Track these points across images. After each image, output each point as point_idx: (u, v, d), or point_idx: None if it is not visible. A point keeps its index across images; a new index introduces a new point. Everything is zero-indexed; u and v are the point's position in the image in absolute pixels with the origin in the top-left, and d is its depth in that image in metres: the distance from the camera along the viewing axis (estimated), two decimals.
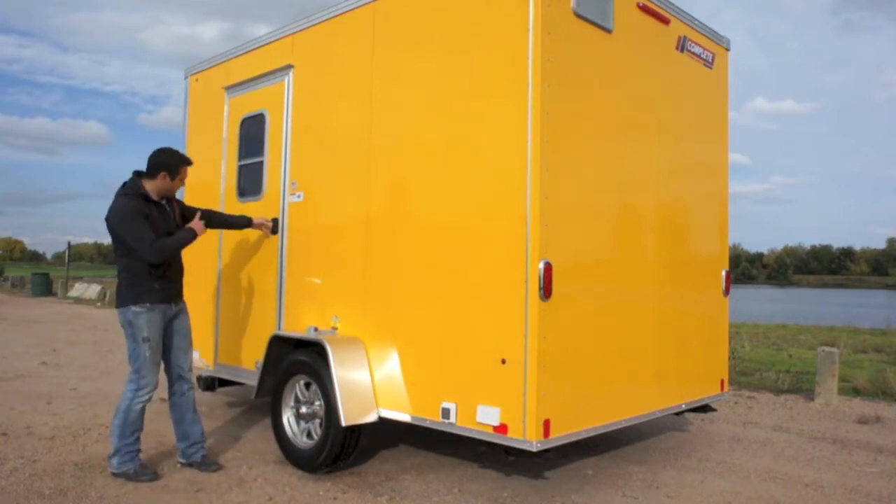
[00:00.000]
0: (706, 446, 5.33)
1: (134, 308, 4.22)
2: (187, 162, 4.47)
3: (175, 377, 4.49)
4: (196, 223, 4.46)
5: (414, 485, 4.25)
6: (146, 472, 4.24)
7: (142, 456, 4.37)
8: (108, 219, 4.26)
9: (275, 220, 5.15)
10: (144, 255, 4.17)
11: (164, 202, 4.45)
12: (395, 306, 4.25)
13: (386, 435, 5.23)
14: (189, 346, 4.57)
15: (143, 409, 4.28)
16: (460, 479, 4.36)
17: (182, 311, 4.54)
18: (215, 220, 4.87)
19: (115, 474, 4.23)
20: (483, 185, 3.80)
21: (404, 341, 4.19)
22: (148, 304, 4.24)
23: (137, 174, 4.39)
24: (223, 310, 5.68)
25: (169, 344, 4.44)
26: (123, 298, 4.26)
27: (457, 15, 4.01)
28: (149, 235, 4.19)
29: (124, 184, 4.36)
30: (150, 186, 4.35)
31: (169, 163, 4.37)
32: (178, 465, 4.50)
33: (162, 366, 4.42)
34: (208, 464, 4.49)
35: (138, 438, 4.30)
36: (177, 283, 4.48)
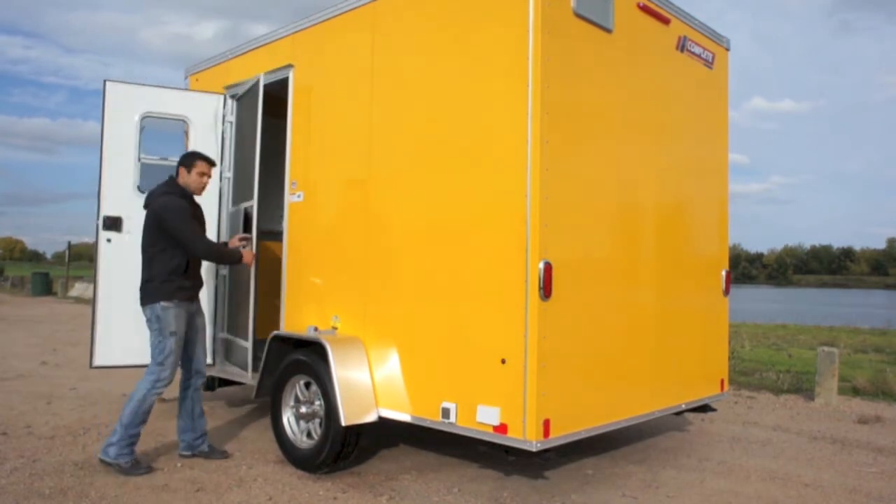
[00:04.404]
0: (706, 446, 5.33)
1: (163, 304, 4.39)
2: (203, 157, 4.67)
3: (193, 372, 4.70)
4: (248, 254, 4.78)
5: (414, 485, 4.25)
6: (140, 467, 4.30)
7: (142, 453, 4.44)
8: (158, 215, 4.41)
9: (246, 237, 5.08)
10: (196, 250, 4.48)
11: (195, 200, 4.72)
12: (395, 306, 4.25)
13: (386, 435, 5.23)
14: (206, 343, 4.82)
15: (153, 403, 4.40)
16: (460, 479, 4.36)
17: (199, 310, 4.74)
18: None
19: (106, 462, 4.27)
20: (483, 184, 3.80)
21: (404, 341, 4.19)
22: (175, 301, 4.42)
23: (171, 176, 4.66)
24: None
25: (190, 340, 4.63)
26: (151, 295, 4.43)
27: (457, 15, 4.01)
28: (200, 232, 4.55)
29: (166, 183, 4.61)
30: (182, 182, 4.61)
31: (184, 159, 4.66)
32: (179, 466, 4.51)
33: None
34: (217, 452, 4.72)
35: (139, 433, 4.38)
36: (199, 282, 4.71)
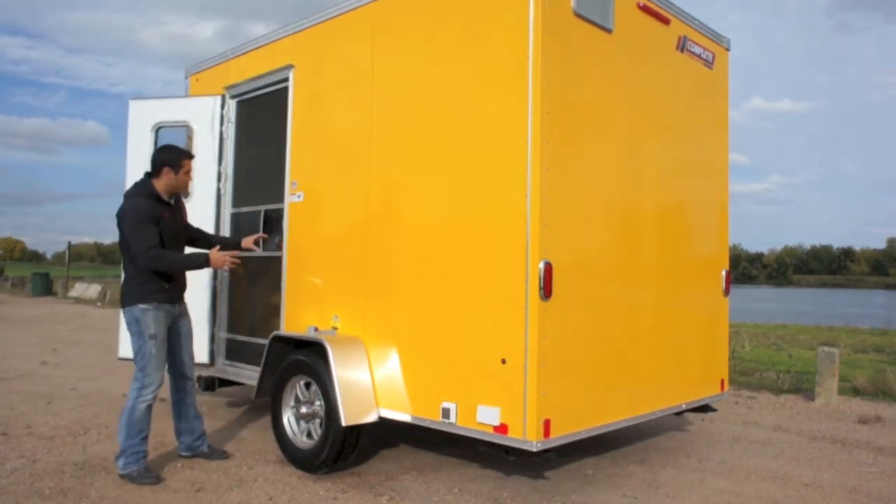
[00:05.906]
0: (706, 446, 5.33)
1: (141, 306, 4.27)
2: (188, 155, 4.53)
3: (178, 375, 4.61)
4: (217, 255, 4.47)
5: (414, 485, 4.25)
6: (149, 476, 4.20)
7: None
8: (119, 217, 4.31)
9: (261, 237, 5.15)
10: (140, 260, 4.22)
11: (173, 201, 4.51)
12: (396, 306, 4.25)
13: (386, 435, 5.23)
14: (191, 346, 4.66)
15: (148, 409, 4.29)
16: (460, 479, 4.36)
17: (184, 312, 4.61)
18: (210, 240, 4.91)
19: (121, 475, 4.22)
20: (483, 184, 3.80)
21: (404, 341, 4.19)
22: (154, 303, 4.30)
23: (147, 175, 4.44)
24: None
25: (174, 343, 4.52)
26: (130, 298, 4.31)
27: (457, 15, 4.01)
28: (151, 241, 4.22)
29: (136, 184, 4.43)
30: (159, 186, 4.41)
31: (169, 158, 4.43)
32: (179, 466, 4.51)
33: (166, 365, 4.47)
34: (217, 452, 4.70)
35: (144, 439, 4.28)
36: (182, 283, 4.55)
